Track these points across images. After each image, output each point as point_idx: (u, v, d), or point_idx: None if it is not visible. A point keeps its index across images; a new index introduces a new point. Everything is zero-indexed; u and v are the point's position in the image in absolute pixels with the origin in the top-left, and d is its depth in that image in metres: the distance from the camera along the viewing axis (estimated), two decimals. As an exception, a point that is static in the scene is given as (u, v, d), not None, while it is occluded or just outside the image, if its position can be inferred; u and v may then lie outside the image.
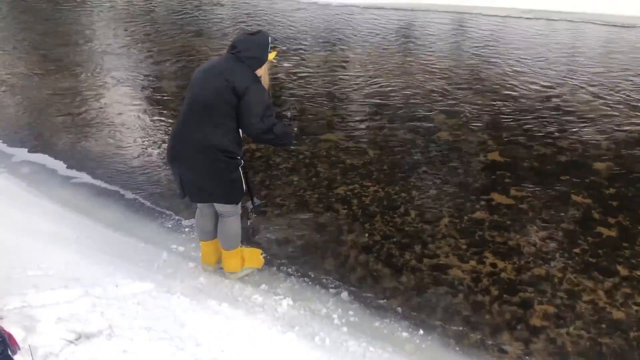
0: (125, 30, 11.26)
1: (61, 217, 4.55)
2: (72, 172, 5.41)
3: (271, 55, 3.49)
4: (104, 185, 5.17)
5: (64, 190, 5.06)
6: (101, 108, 7.04)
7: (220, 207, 3.60)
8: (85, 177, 5.32)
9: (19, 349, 2.23)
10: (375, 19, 12.50)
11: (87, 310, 3.04)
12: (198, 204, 3.70)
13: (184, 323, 3.06)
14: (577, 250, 4.18)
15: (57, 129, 6.48)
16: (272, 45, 3.48)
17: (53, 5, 14.60)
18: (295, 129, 4.90)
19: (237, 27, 11.60)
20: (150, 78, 8.14)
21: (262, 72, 3.47)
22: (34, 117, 6.87)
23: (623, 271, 3.94)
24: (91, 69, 8.67)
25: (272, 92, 7.25)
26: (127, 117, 6.74)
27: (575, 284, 3.83)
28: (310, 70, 8.50)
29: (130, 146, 5.94)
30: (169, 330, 2.97)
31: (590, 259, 4.08)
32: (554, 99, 7.08)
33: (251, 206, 4.18)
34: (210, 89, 3.28)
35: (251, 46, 3.35)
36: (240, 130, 3.39)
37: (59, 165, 5.54)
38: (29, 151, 5.88)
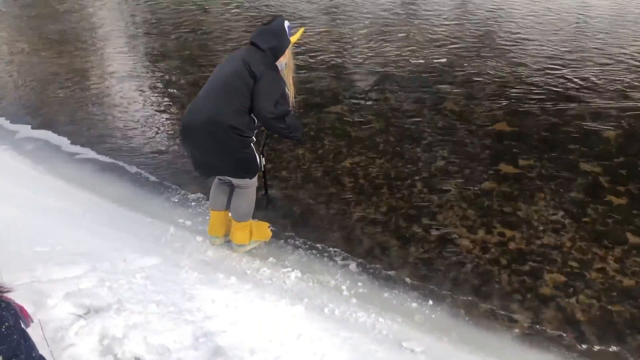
0: (128, 6, 11.12)
1: (67, 193, 4.53)
2: (77, 148, 5.38)
3: (295, 37, 3.51)
4: (108, 160, 5.14)
5: (69, 166, 5.04)
6: (105, 85, 6.97)
7: (235, 180, 3.59)
8: (89, 153, 5.28)
9: (32, 321, 2.23)
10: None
11: (96, 285, 3.04)
12: None
13: (192, 296, 3.06)
14: (586, 219, 4.14)
15: (61, 106, 6.42)
16: (290, 27, 3.47)
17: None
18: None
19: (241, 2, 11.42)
20: (155, 54, 8.04)
21: (287, 57, 3.51)
22: (37, 94, 6.81)
23: (633, 239, 3.91)
24: (94, 46, 8.57)
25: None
26: (131, 93, 6.67)
27: (585, 253, 3.80)
28: (313, 42, 8.38)
29: (134, 122, 5.88)
30: (178, 303, 2.97)
31: (600, 228, 4.04)
32: (562, 69, 6.96)
33: (263, 198, 4.26)
34: (229, 70, 3.35)
35: (268, 37, 3.38)
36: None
37: (63, 142, 5.51)
38: (32, 128, 5.84)
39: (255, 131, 3.68)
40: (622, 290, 3.48)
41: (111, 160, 5.14)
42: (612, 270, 3.64)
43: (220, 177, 3.69)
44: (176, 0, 11.00)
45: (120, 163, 5.08)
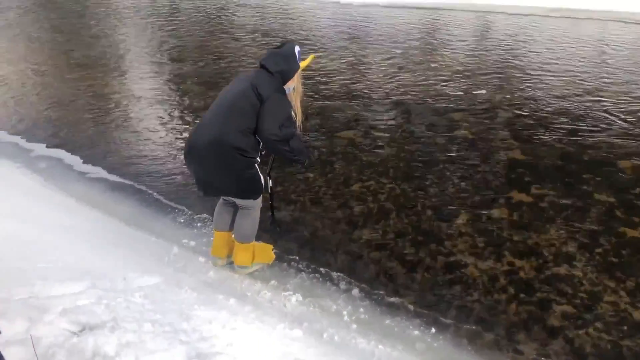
0: (149, 30, 11.36)
1: (76, 210, 4.56)
2: (88, 167, 5.44)
3: (305, 63, 3.55)
4: (119, 180, 5.17)
5: (80, 184, 5.08)
6: (121, 105, 7.07)
7: (239, 201, 3.58)
8: (101, 172, 5.33)
9: None
10: (398, 17, 12.40)
11: (93, 303, 3.01)
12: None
13: (189, 317, 3.02)
14: (599, 250, 4.02)
15: (76, 126, 6.53)
16: (300, 52, 3.51)
17: (80, 5, 14.89)
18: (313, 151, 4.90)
19: (262, 26, 11.61)
20: (173, 77, 8.17)
21: (295, 81, 3.54)
22: (54, 113, 6.94)
23: (647, 272, 3.78)
24: (114, 67, 8.75)
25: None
26: (147, 114, 6.76)
27: (596, 285, 3.68)
28: (331, 67, 8.46)
29: (147, 142, 5.94)
30: (174, 323, 2.92)
31: (613, 259, 3.92)
32: (580, 97, 6.89)
33: (270, 221, 4.25)
34: (236, 91, 3.38)
35: (278, 60, 3.41)
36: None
37: (76, 161, 5.58)
38: (47, 147, 5.93)
39: (262, 152, 3.69)
40: (633, 324, 3.34)
41: (122, 179, 5.18)
42: (624, 303, 3.51)
43: (224, 197, 3.68)
44: (207, 29, 11.22)
45: (131, 183, 5.11)
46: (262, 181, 3.54)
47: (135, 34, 11.20)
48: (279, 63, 3.39)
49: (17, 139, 6.13)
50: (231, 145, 3.26)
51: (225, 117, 3.29)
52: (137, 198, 4.85)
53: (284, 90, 3.39)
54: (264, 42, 10.12)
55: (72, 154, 5.74)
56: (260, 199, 3.63)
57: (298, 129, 3.62)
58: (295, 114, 3.57)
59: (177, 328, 2.88)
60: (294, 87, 3.51)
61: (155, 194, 4.91)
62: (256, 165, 3.46)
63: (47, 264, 3.42)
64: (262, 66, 3.41)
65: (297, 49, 3.46)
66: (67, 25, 12.01)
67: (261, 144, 3.41)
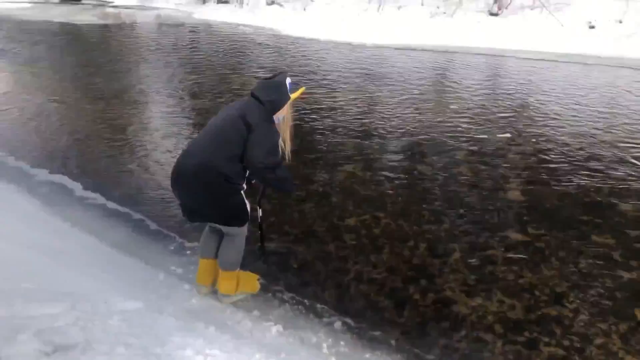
0: (171, 66, 11.64)
1: (69, 235, 4.58)
2: (88, 193, 5.49)
3: (295, 95, 3.57)
4: (115, 206, 5.20)
5: (77, 210, 5.12)
6: (133, 137, 7.17)
7: (224, 228, 3.59)
8: (99, 199, 5.37)
9: None
10: (410, 60, 12.57)
11: (69, 324, 2.99)
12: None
13: (165, 342, 2.98)
14: (592, 292, 3.93)
15: (83, 154, 6.63)
16: (292, 84, 3.55)
17: (99, 35, 15.38)
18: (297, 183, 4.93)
19: (281, 65, 11.85)
20: (190, 111, 8.30)
21: (285, 112, 3.56)
22: (64, 141, 7.06)
23: (641, 316, 3.68)
24: (133, 101, 8.94)
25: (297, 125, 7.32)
26: (157, 146, 6.83)
27: (587, 327, 3.59)
28: (341, 105, 8.56)
29: (151, 172, 5.97)
30: (148, 347, 2.89)
31: (607, 302, 3.83)
32: (585, 141, 6.86)
33: (259, 252, 4.26)
34: (224, 118, 3.42)
35: (269, 90, 3.46)
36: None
37: (77, 187, 5.63)
38: (49, 172, 6.00)
39: (253, 181, 3.70)
40: (623, 369, 3.24)
41: (118, 206, 5.20)
42: (615, 347, 3.41)
43: (210, 224, 3.68)
44: (229, 67, 11.46)
45: (127, 210, 5.13)
46: (248, 209, 3.55)
47: (156, 69, 11.46)
48: (270, 93, 3.43)
49: (22, 164, 6.22)
50: (217, 171, 3.29)
51: (213, 144, 3.32)
52: (131, 225, 4.87)
53: (272, 120, 3.43)
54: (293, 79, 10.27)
55: (74, 180, 5.80)
56: (245, 227, 3.62)
57: (287, 158, 3.64)
58: (284, 144, 3.60)
59: (150, 352, 2.84)
60: (283, 117, 3.55)
61: (149, 221, 4.92)
62: (242, 192, 3.47)
63: (31, 285, 3.42)
64: (253, 95, 3.46)
65: (288, 80, 3.51)
66: (91, 60, 12.36)
67: (248, 172, 3.43)
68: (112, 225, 4.84)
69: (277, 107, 3.47)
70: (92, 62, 12.05)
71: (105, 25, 19.74)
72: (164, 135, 7.24)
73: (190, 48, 14.28)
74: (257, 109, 3.37)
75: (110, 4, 26.41)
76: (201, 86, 9.72)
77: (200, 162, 3.29)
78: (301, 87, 3.62)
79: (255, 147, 3.26)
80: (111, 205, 5.25)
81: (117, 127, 7.50)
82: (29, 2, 26.32)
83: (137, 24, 20.48)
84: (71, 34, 17.26)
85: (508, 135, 7.09)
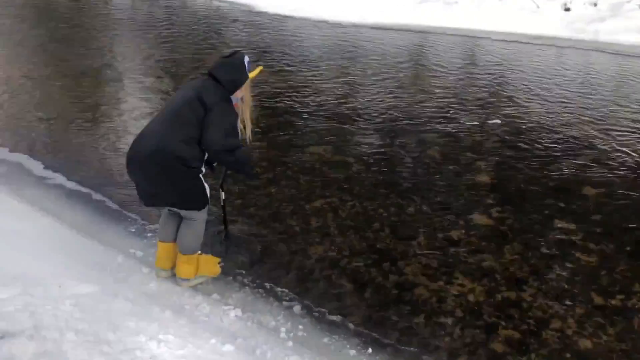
0: (140, 41, 11.38)
1: (27, 216, 4.47)
2: (48, 173, 5.34)
3: (253, 74, 3.49)
4: (76, 187, 5.08)
5: (36, 190, 5.00)
6: (99, 115, 7.00)
7: (183, 212, 3.52)
8: (59, 179, 5.24)
9: None
10: (386, 39, 12.48)
11: (19, 309, 2.93)
12: None
13: (117, 327, 2.93)
14: (551, 275, 3.97)
15: (47, 131, 6.45)
16: (250, 62, 3.47)
17: (76, 12, 14.98)
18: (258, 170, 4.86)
19: (251, 43, 11.65)
20: (160, 92, 8.10)
21: (244, 91, 3.49)
22: (26, 118, 6.86)
23: (597, 299, 3.72)
24: (98, 75, 8.73)
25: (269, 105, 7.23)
26: (123, 125, 6.67)
27: (544, 311, 3.62)
28: (315, 85, 8.46)
29: (116, 152, 5.81)
30: (99, 333, 2.84)
31: (565, 285, 3.86)
32: (555, 125, 6.88)
33: (222, 234, 4.23)
34: (181, 99, 3.33)
35: (227, 69, 3.38)
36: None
37: (36, 166, 5.49)
38: (10, 150, 5.83)
39: (214, 164, 3.64)
40: (577, 352, 3.28)
41: (79, 187, 5.08)
42: (570, 331, 3.45)
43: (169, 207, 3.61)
44: (204, 45, 11.21)
45: (87, 190, 5.01)
46: (208, 192, 3.49)
47: (130, 46, 11.18)
48: (228, 72, 3.36)
49: (-19, 142, 6.05)
50: (173, 154, 3.21)
51: (168, 127, 3.23)
52: (93, 206, 4.76)
53: (230, 100, 3.35)
54: (262, 56, 10.15)
55: (35, 159, 5.64)
56: (205, 210, 3.56)
57: (247, 141, 3.58)
58: (244, 125, 3.53)
59: (101, 338, 2.80)
60: (242, 96, 3.47)
61: (110, 202, 4.82)
62: (201, 176, 3.40)
63: (-19, 268, 3.34)
64: (210, 75, 3.37)
65: (246, 59, 3.42)
66: (63, 35, 12.01)
67: (206, 154, 3.36)
68: (71, 206, 4.74)
69: (236, 87, 3.39)
70: (63, 37, 11.70)
71: (77, -2, 19.22)
72: (135, 116, 7.06)
73: (165, 24, 13.95)
74: (214, 89, 3.29)
75: (82, -24, 25.67)
76: (176, 64, 9.50)
77: (156, 146, 3.20)
78: (259, 66, 3.56)
79: (213, 129, 3.19)
80: (71, 185, 5.13)
81: (86, 106, 7.28)
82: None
83: (110, -3, 19.97)
84: (41, 6, 16.74)
85: (498, 121, 7.04)
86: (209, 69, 3.41)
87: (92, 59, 9.86)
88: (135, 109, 7.14)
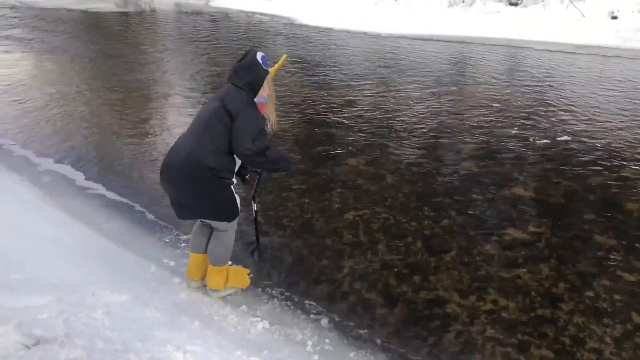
0: (186, 55, 11.66)
1: (66, 225, 4.60)
2: (89, 184, 5.50)
3: (275, 66, 3.55)
4: (115, 197, 5.21)
5: (76, 200, 5.14)
6: (141, 127, 7.20)
7: (213, 223, 3.56)
8: (100, 189, 5.38)
9: None
10: (427, 50, 12.42)
11: (53, 317, 3.00)
12: None
13: (146, 337, 2.97)
14: (589, 293, 3.84)
15: (89, 143, 6.65)
16: (265, 57, 3.46)
17: (126, 28, 15.47)
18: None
19: (292, 52, 11.81)
20: (204, 102, 8.28)
21: (267, 89, 3.48)
22: (72, 130, 7.10)
23: (638, 319, 3.57)
24: (145, 89, 8.98)
25: (301, 116, 7.27)
26: (164, 137, 6.83)
27: (581, 329, 3.50)
28: (353, 97, 8.50)
29: (154, 164, 5.95)
30: (127, 342, 2.88)
31: (603, 304, 3.73)
32: (601, 137, 6.69)
33: (254, 246, 4.25)
34: (208, 109, 3.36)
35: (241, 73, 3.39)
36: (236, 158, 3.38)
37: (78, 176, 5.66)
38: (54, 162, 6.03)
39: (246, 176, 3.67)
40: (614, 374, 3.16)
41: (118, 198, 5.21)
42: (608, 352, 3.32)
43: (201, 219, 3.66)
44: None
45: (126, 201, 5.13)
46: (239, 204, 3.51)
47: (176, 60, 11.49)
48: (243, 76, 3.36)
49: (28, 153, 6.27)
50: (205, 165, 3.24)
51: (198, 138, 3.28)
52: (128, 216, 4.87)
53: (254, 103, 3.35)
54: (306, 70, 10.25)
55: (76, 170, 5.82)
56: (235, 222, 3.59)
57: (272, 131, 3.59)
58: (270, 120, 3.54)
59: (129, 347, 2.84)
60: (267, 94, 3.47)
61: (147, 212, 4.92)
62: (232, 187, 3.43)
63: (20, 276, 3.44)
64: (229, 81, 3.41)
65: (259, 55, 3.41)
66: (112, 49, 12.45)
67: (237, 164, 3.39)
68: (109, 216, 4.85)
69: (257, 87, 3.39)
70: (112, 52, 12.13)
71: (125, 13, 19.85)
72: (179, 131, 7.19)
73: (210, 37, 14.28)
74: (237, 95, 3.30)
75: (130, -8, 26.48)
76: (221, 78, 9.66)
77: (188, 157, 3.25)
78: (283, 56, 3.54)
79: (241, 135, 3.20)
80: (111, 195, 5.27)
81: (132, 120, 7.51)
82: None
83: (156, 12, 20.56)
84: (91, 22, 17.38)
85: (547, 141, 6.92)
86: (228, 77, 3.44)
87: (140, 74, 10.17)
88: (179, 123, 7.28)
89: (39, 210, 4.82)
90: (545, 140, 6.62)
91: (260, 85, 3.39)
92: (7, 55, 11.84)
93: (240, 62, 3.42)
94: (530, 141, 6.60)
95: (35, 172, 5.75)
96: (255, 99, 3.40)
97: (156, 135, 6.93)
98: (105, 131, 7.10)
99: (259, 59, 3.39)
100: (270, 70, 3.48)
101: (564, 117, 7.52)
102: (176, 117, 7.67)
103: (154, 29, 15.89)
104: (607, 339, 3.41)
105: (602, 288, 3.89)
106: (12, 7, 19.88)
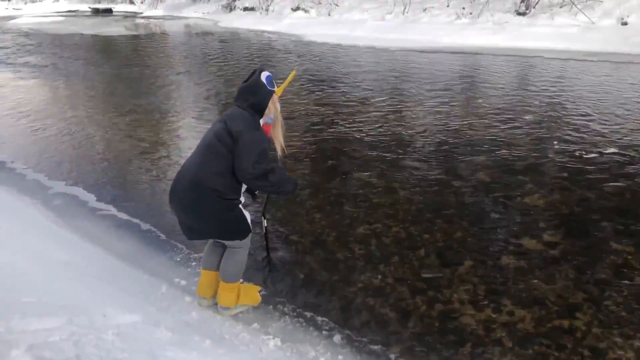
0: (198, 77, 11.77)
1: (77, 247, 4.61)
2: (100, 205, 5.53)
3: (282, 86, 3.51)
4: (126, 217, 5.23)
5: (88, 221, 5.16)
6: (153, 150, 7.25)
7: (226, 242, 3.55)
8: (111, 210, 5.41)
9: None
10: (436, 62, 12.41)
11: (63, 339, 2.99)
12: None
13: (157, 357, 2.95)
14: (608, 302, 3.75)
15: (101, 166, 6.70)
16: (270, 77, 3.42)
17: (138, 51, 15.67)
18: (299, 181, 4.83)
19: (301, 69, 11.88)
20: (211, 120, 8.35)
21: (273, 109, 3.46)
22: (84, 154, 7.17)
23: (659, 328, 3.48)
24: (157, 112, 9.06)
25: (310, 132, 7.26)
26: (176, 159, 6.86)
27: (600, 340, 3.41)
28: (364, 111, 8.51)
29: (167, 183, 5.97)
30: (138, 363, 2.86)
31: (623, 313, 3.63)
32: (612, 145, 6.61)
33: (264, 262, 4.24)
34: (212, 132, 3.35)
35: (245, 95, 3.36)
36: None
37: (90, 198, 5.69)
38: (65, 184, 6.08)
39: (256, 192, 3.66)
40: (637, 386, 3.06)
41: (129, 218, 5.22)
42: (630, 362, 3.23)
43: None
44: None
45: (137, 221, 5.15)
46: (249, 221, 3.49)
47: (189, 82, 11.60)
48: (247, 98, 3.34)
49: (40, 177, 6.33)
50: (208, 188, 3.23)
51: (202, 160, 3.27)
52: (140, 236, 4.87)
53: (258, 125, 3.33)
54: (316, 85, 10.28)
55: (88, 191, 5.86)
56: (248, 239, 3.56)
57: (279, 156, 3.56)
58: (276, 143, 3.52)
59: (139, 368, 2.82)
60: (272, 115, 3.45)
61: (158, 231, 4.92)
62: (240, 206, 3.41)
63: (31, 298, 3.44)
64: (235, 102, 3.40)
65: (264, 75, 3.37)
66: (125, 74, 12.62)
67: (243, 185, 3.38)
68: (121, 236, 4.86)
69: (261, 108, 3.36)
70: (125, 76, 12.31)
71: (137, 36, 20.14)
72: (190, 149, 7.26)
73: (221, 58, 14.41)
74: (241, 117, 3.28)
75: (140, 15, 26.89)
76: (232, 98, 9.71)
77: (191, 180, 3.24)
78: (291, 72, 3.54)
79: (242, 158, 3.18)
80: (121, 215, 5.28)
81: (144, 143, 7.57)
82: (61, 15, 27.02)
83: (167, 34, 20.84)
84: (104, 46, 17.65)
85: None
86: (234, 98, 3.43)
87: (153, 97, 10.28)
88: (192, 145, 7.30)
89: (50, 232, 4.84)
90: (556, 148, 6.54)
91: (264, 107, 3.35)
92: (23, 81, 12.05)
93: (244, 83, 3.39)
94: (540, 151, 6.53)
95: (46, 195, 5.80)
96: (261, 120, 3.39)
97: (168, 157, 6.97)
98: (117, 154, 7.16)
99: (264, 80, 3.34)
100: (276, 89, 3.45)
101: (577, 123, 7.44)
102: (189, 139, 7.72)
103: (166, 51, 16.10)
104: (629, 350, 3.31)
105: (620, 297, 3.80)
106: (27, 35, 20.26)
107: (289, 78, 3.64)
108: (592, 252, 4.35)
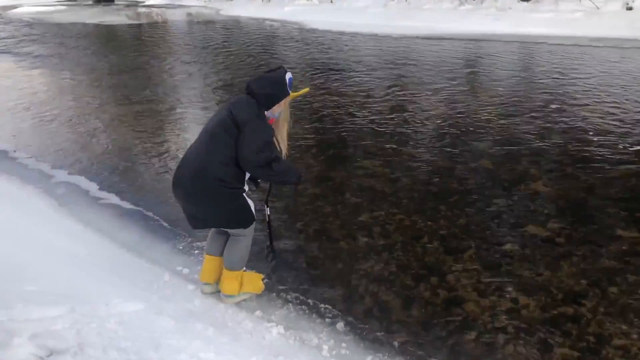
0: (201, 65, 11.72)
1: (80, 236, 4.60)
2: (103, 194, 5.52)
3: (296, 93, 3.54)
4: (129, 206, 5.22)
5: (90, 210, 5.15)
6: (155, 138, 7.24)
7: (229, 230, 3.53)
8: (113, 199, 5.40)
9: None
10: (439, 49, 12.32)
11: (66, 327, 2.98)
12: None
13: (160, 345, 2.94)
14: (613, 289, 3.72)
15: (103, 155, 6.69)
16: (292, 80, 3.43)
17: (139, 41, 15.63)
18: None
19: (304, 57, 11.80)
20: (213, 109, 8.32)
21: (282, 107, 3.45)
22: (85, 142, 7.16)
23: (665, 315, 3.45)
24: (160, 101, 9.04)
25: (312, 120, 7.24)
26: (177, 147, 6.84)
27: (605, 327, 3.39)
28: (367, 100, 8.46)
29: (168, 173, 5.95)
30: (141, 351, 2.85)
31: (628, 300, 3.61)
32: (616, 130, 6.55)
33: (267, 250, 4.24)
34: (216, 120, 3.34)
35: (265, 83, 3.34)
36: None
37: (93, 187, 5.68)
38: (69, 174, 6.07)
39: (258, 180, 3.63)
40: (642, 372, 3.04)
41: (132, 205, 5.22)
42: (635, 349, 3.20)
43: None
44: (259, 63, 11.45)
45: (139, 209, 5.14)
46: (253, 210, 3.47)
47: (191, 70, 11.57)
48: (265, 86, 3.32)
49: (43, 166, 6.32)
50: (213, 176, 3.22)
51: (206, 149, 3.25)
52: (142, 224, 4.86)
53: (263, 116, 3.31)
54: (319, 73, 10.22)
55: (91, 181, 5.85)
56: (252, 228, 3.55)
57: (284, 156, 3.55)
58: (280, 142, 3.51)
59: (143, 357, 2.81)
60: (280, 113, 3.44)
61: (161, 220, 4.91)
62: (244, 194, 3.39)
63: (34, 287, 3.44)
64: (248, 86, 3.37)
65: (288, 76, 3.38)
66: (128, 62, 12.58)
67: (247, 173, 3.36)
68: (123, 225, 4.85)
69: (273, 102, 3.35)
70: (128, 65, 12.27)
71: (139, 25, 20.06)
72: (192, 141, 7.24)
73: (223, 46, 14.34)
74: (247, 105, 3.27)
75: (142, 4, 26.79)
76: (236, 88, 9.67)
77: (196, 169, 3.23)
78: (307, 87, 3.53)
79: (246, 147, 3.17)
80: (124, 204, 5.27)
81: (147, 131, 7.56)
82: (62, 4, 26.94)
83: (169, 22, 20.75)
84: (108, 36, 17.59)
85: (492, 119, 6.82)
86: (248, 82, 3.40)
87: (156, 86, 10.25)
88: (193, 134, 7.29)
89: (53, 221, 4.83)
90: (561, 135, 6.49)
91: (276, 102, 3.35)
92: (27, 71, 12.03)
93: (267, 73, 3.39)
94: (546, 137, 6.48)
95: (49, 184, 5.79)
96: (266, 112, 3.36)
97: (170, 145, 6.95)
98: (120, 143, 7.14)
99: (287, 79, 3.34)
100: (291, 93, 3.44)
101: (582, 110, 7.38)
102: (193, 129, 7.67)
103: (168, 40, 16.02)
104: (634, 336, 3.29)
105: (625, 283, 3.77)
106: (30, 25, 20.21)
107: (302, 91, 3.64)
108: (597, 239, 4.32)
